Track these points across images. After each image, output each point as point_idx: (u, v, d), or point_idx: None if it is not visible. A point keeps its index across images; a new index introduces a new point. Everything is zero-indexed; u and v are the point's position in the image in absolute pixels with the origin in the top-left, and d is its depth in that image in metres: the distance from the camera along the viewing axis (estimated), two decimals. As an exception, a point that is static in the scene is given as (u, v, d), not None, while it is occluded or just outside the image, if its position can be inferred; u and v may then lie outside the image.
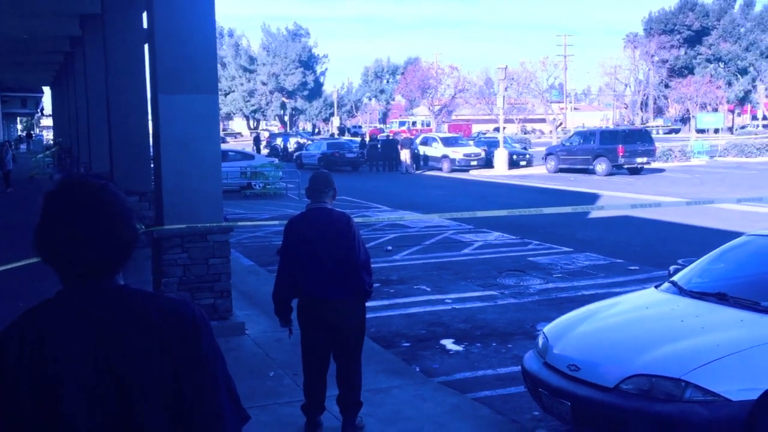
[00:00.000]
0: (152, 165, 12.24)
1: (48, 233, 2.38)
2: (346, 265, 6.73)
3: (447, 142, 48.44)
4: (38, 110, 78.24)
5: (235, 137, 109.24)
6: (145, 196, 15.83)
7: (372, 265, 7.10)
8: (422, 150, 48.19)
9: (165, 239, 10.35)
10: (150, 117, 12.44)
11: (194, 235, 10.49)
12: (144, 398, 2.32)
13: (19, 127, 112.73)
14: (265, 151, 64.83)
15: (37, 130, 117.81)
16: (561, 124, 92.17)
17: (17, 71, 43.66)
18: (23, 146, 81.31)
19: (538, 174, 42.69)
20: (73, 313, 2.35)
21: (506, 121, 67.16)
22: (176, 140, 10.27)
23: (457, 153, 46.26)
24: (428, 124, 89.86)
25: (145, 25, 13.65)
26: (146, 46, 13.21)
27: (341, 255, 6.73)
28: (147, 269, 11.87)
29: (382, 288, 13.73)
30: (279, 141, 68.45)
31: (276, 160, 39.52)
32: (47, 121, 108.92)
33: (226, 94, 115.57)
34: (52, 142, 64.66)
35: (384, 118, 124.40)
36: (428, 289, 13.86)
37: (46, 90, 62.87)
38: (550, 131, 79.20)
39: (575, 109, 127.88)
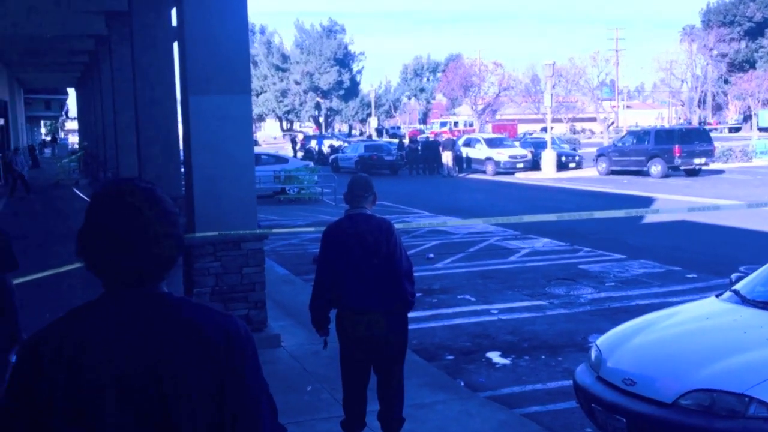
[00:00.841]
0: (183, 169, 12.35)
1: (91, 237, 2.43)
2: (386, 274, 6.73)
3: (491, 143, 48.38)
4: (63, 113, 79.18)
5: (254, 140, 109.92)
6: (176, 202, 15.93)
7: (414, 274, 7.10)
8: (465, 152, 48.16)
9: (196, 247, 10.43)
10: (180, 119, 12.54)
11: (227, 243, 10.56)
12: (186, 408, 2.36)
13: (43, 130, 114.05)
14: (299, 154, 65.09)
15: (62, 134, 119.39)
16: (613, 123, 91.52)
17: (40, 72, 44.23)
18: (47, 151, 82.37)
19: (589, 177, 42.42)
20: (115, 318, 2.39)
21: (554, 120, 66.77)
22: (207, 143, 10.36)
23: (501, 155, 46.17)
24: (471, 125, 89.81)
25: (174, 22, 13.78)
26: (176, 45, 13.36)
27: (382, 263, 6.73)
28: (178, 278, 11.97)
29: (424, 298, 13.73)
30: (313, 143, 68.66)
31: (311, 164, 39.61)
32: (72, 125, 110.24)
33: (257, 95, 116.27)
34: (77, 146, 65.36)
35: (424, 119, 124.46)
36: (473, 299, 13.85)
37: (71, 92, 63.70)
38: (601, 131, 78.87)
39: (628, 107, 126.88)
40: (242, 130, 10.62)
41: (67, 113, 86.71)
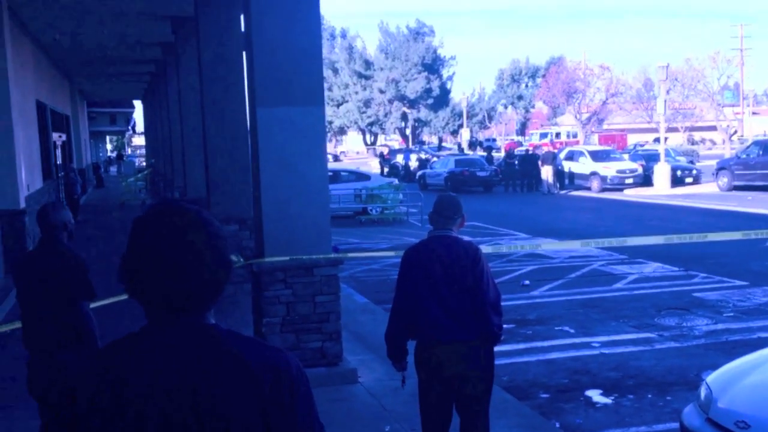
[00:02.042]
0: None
1: (134, 262, 2.51)
2: (471, 303, 6.72)
3: (596, 156, 47.95)
4: (129, 127, 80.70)
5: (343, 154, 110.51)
6: (246, 224, 16.10)
7: (506, 303, 7.10)
8: (567, 166, 47.87)
9: (266, 273, 10.53)
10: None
11: (298, 269, 10.63)
12: None
13: (108, 147, 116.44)
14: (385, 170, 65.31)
15: (128, 150, 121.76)
16: (736, 132, 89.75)
17: (104, 84, 45.13)
18: (113, 169, 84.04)
19: (708, 193, 41.79)
20: (158, 350, 2.47)
21: (669, 129, 65.91)
22: (276, 159, 10.47)
23: (608, 169, 45.75)
24: (575, 136, 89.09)
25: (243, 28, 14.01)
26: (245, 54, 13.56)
27: (466, 291, 6.72)
28: (247, 307, 12.13)
29: (517, 329, 13.68)
30: (399, 158, 68.77)
31: (395, 181, 39.76)
32: (140, 140, 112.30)
33: (338, 105, 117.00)
34: (144, 163, 66.41)
35: (522, 129, 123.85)
36: (572, 331, 13.76)
37: (138, 105, 64.90)
38: (723, 141, 77.46)
39: (754, 113, 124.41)
40: (315, 145, 10.70)
41: (134, 128, 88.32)
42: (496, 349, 7.08)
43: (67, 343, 6.70)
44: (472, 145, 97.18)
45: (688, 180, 46.15)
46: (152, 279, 2.46)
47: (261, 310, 10.62)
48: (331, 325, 10.81)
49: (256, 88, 10.43)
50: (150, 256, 2.47)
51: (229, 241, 2.63)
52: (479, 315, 6.73)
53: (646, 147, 64.32)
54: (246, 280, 12.78)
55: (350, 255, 16.80)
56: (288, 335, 10.52)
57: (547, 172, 46.00)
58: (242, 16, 12.73)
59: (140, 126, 78.38)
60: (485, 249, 16.38)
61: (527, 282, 18.17)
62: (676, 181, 45.03)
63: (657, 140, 59.72)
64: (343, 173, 37.21)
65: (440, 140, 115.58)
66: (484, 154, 62.13)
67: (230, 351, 2.48)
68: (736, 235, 13.70)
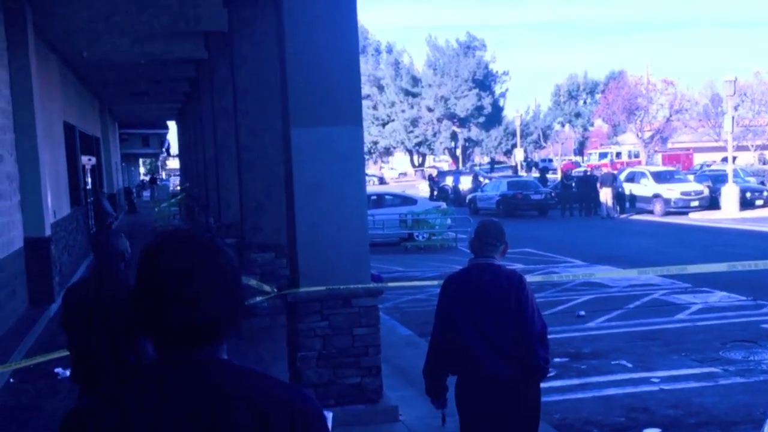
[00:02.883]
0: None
1: (141, 295, 2.53)
2: (515, 336, 6.69)
3: (659, 177, 47.67)
4: (163, 150, 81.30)
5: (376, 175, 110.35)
6: (283, 251, 16.10)
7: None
8: (627, 188, 47.64)
9: (301, 304, 10.52)
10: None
11: (335, 299, 10.61)
12: None
13: (141, 170, 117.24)
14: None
15: (163, 174, 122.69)
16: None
17: (136, 103, 45.45)
18: (146, 193, 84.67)
19: (780, 217, 41.43)
20: (164, 388, 2.48)
21: (738, 148, 65.46)
22: (311, 182, 10.48)
23: (672, 191, 45.46)
24: (636, 155, 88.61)
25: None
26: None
27: (510, 323, 6.69)
28: (282, 340, 12.15)
29: (570, 363, 13.62)
30: (449, 180, 68.80)
31: (443, 205, 39.71)
32: (174, 163, 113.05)
33: (384, 124, 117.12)
34: (179, 187, 66.73)
35: (581, 149, 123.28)
36: (630, 365, 13.66)
37: (172, 126, 65.34)
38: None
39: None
40: (352, 167, 10.69)
41: (168, 150, 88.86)
42: (548, 384, 7.07)
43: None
44: (529, 166, 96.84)
45: (759, 202, 45.81)
46: (160, 313, 2.48)
47: (296, 343, 10.60)
48: (370, 359, 10.76)
49: (290, 107, 10.45)
50: (158, 289, 2.48)
51: (241, 272, 2.65)
52: (524, 348, 6.69)
53: (714, 167, 63.71)
54: (281, 312, 12.81)
55: (392, 284, 16.81)
56: (324, 370, 10.51)
57: (606, 195, 45.75)
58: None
59: (175, 148, 78.73)
60: (536, 278, 16.40)
61: (582, 313, 18.10)
62: (746, 204, 44.68)
63: (725, 160, 59.13)
64: (387, 197, 37.25)
65: (492, 161, 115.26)
66: (536, 175, 61.91)
67: (241, 389, 2.49)
68: (807, 263, 13.48)
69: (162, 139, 72.26)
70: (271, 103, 16.34)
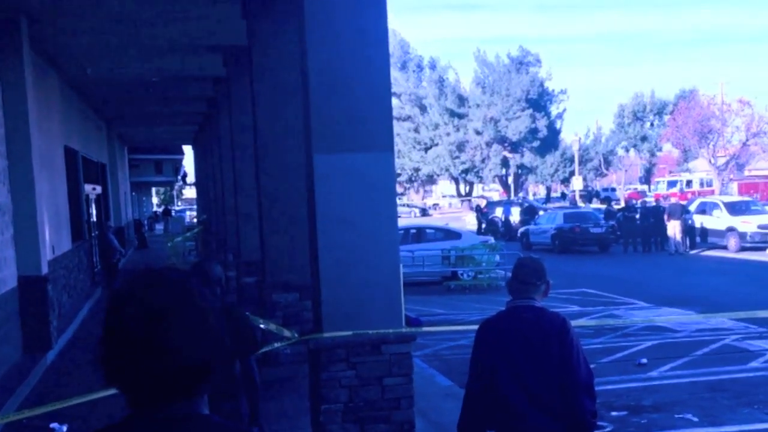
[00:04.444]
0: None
1: (110, 343, 2.54)
2: (558, 387, 6.68)
3: (734, 208, 47.25)
4: (178, 177, 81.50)
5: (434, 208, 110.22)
6: (308, 292, 16.08)
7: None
8: (699, 221, 47.25)
9: (324, 351, 10.53)
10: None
11: (363, 345, 10.63)
12: None
13: (154, 200, 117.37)
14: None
15: (178, 204, 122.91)
16: None
17: (148, 126, 45.55)
18: (159, 226, 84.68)
19: None
20: None
21: (824, 176, 64.97)
22: (336, 215, 10.48)
23: (748, 224, 45.02)
24: (709, 184, 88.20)
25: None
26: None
27: (553, 372, 6.69)
28: (305, 392, 12.18)
29: (629, 417, 13.58)
30: (498, 211, 68.66)
31: (491, 239, 39.64)
32: (191, 192, 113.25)
33: (426, 149, 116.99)
34: (195, 220, 66.80)
35: (647, 177, 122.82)
36: (695, 420, 13.62)
37: (188, 151, 65.45)
38: None
39: None
40: (382, 198, 10.67)
41: (184, 178, 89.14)
42: (604, 440, 7.03)
43: (232, 393, 7.95)
44: (588, 196, 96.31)
45: None
46: (130, 363, 2.48)
47: (319, 394, 10.59)
48: (402, 413, 10.73)
49: (312, 129, 10.45)
50: (127, 336, 2.49)
51: (219, 316, 2.65)
52: (569, 400, 6.68)
53: (797, 198, 63.34)
54: (305, 360, 12.82)
55: (430, 329, 16.83)
56: (350, 425, 10.49)
57: (674, 228, 45.46)
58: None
59: (192, 176, 78.99)
60: (592, 322, 16.34)
61: (644, 360, 17.99)
62: (834, 239, 44.20)
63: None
64: (428, 231, 37.22)
65: (548, 190, 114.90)
66: (603, 206, 61.64)
67: None
68: None
69: (177, 166, 72.46)
70: (296, 125, 16.35)
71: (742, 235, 44.63)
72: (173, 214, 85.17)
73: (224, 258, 28.94)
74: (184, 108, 37.42)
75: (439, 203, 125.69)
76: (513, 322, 6.91)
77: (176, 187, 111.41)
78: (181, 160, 71.43)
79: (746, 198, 56.36)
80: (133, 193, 68.02)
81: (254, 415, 8.24)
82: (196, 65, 26.37)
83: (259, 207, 17.48)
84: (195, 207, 77.48)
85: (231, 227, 27.86)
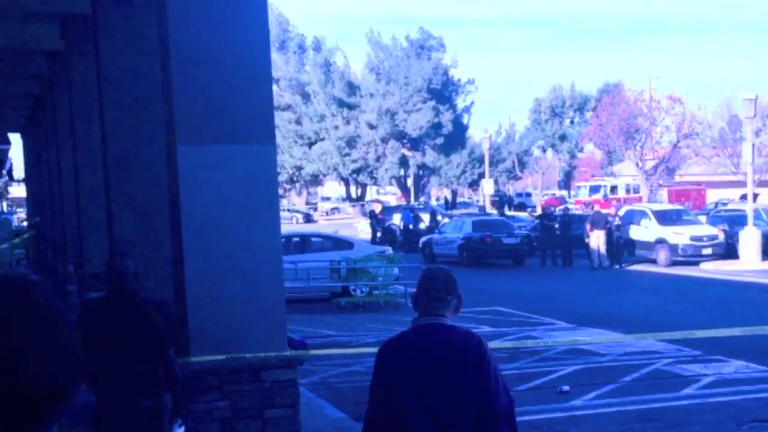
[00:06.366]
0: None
1: None
2: (474, 417, 6.67)
3: (664, 217, 48.21)
4: (3, 172, 79.99)
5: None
6: (168, 309, 15.88)
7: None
8: (625, 231, 47.87)
9: (192, 379, 10.41)
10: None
11: (240, 372, 10.61)
12: None
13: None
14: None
15: (3, 205, 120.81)
16: None
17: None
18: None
19: (813, 268, 42.20)
20: None
21: (760, 183, 66.17)
22: (206, 218, 10.37)
23: (680, 235, 45.91)
24: (636, 190, 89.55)
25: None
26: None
27: (467, 399, 6.67)
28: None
29: (550, 453, 13.69)
30: (396, 218, 68.98)
31: (388, 250, 39.72)
32: (19, 191, 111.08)
33: (310, 145, 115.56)
34: (25, 223, 65.86)
35: (567, 181, 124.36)
36: (624, 454, 13.80)
37: (15, 139, 64.14)
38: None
39: None
40: (263, 199, 10.65)
41: (10, 173, 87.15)
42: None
43: (152, 389, 8.85)
44: (501, 202, 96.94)
45: (786, 251, 46.43)
46: None
47: (187, 429, 10.46)
48: (287, 450, 10.72)
49: (176, 117, 10.28)
50: None
51: (73, 331, 2.49)
52: (486, 431, 6.68)
53: (731, 206, 64.50)
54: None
55: (318, 352, 16.76)
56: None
57: (597, 239, 46.03)
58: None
59: (20, 171, 77.69)
60: (507, 344, 16.37)
61: (566, 388, 18.21)
62: (769, 252, 45.40)
63: (744, 197, 59.83)
64: (314, 239, 37.26)
65: (454, 194, 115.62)
66: (525, 215, 62.32)
67: None
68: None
69: (2, 158, 71.27)
70: (154, 112, 15.88)
71: (673, 248, 45.54)
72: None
73: (63, 270, 28.49)
74: (10, 88, 36.20)
75: (339, 207, 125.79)
76: (420, 343, 6.85)
77: (0, 183, 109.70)
78: (6, 152, 70.17)
79: (677, 206, 57.45)
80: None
81: (178, 408, 8.98)
82: (25, 35, 25.42)
83: (108, 210, 17.05)
84: (25, 208, 76.51)
85: (71, 233, 27.24)
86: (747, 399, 16.88)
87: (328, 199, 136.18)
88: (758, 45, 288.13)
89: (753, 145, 48.01)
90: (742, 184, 71.03)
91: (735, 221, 48.61)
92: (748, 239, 44.83)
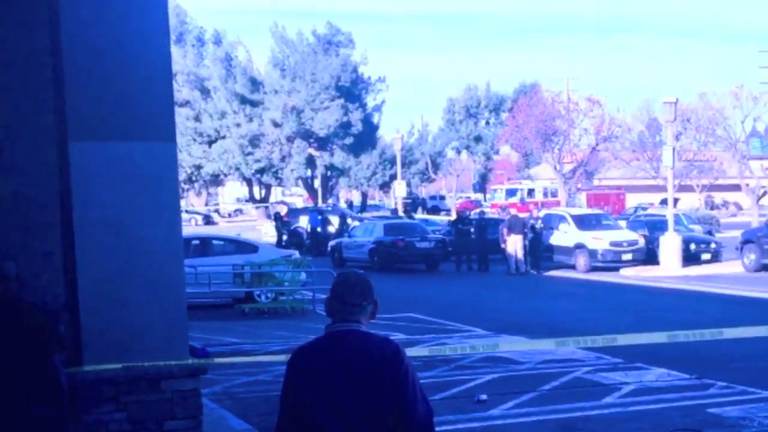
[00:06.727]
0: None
1: None
2: (391, 427, 6.61)
3: (583, 222, 48.64)
4: None
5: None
6: (55, 314, 15.63)
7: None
8: (543, 236, 48.09)
9: (86, 388, 10.30)
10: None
11: (138, 381, 10.48)
12: None
13: None
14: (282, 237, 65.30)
15: None
16: (766, 193, 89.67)
17: None
18: None
19: (730, 274, 42.96)
20: None
21: (680, 188, 66.70)
22: (101, 219, 10.25)
23: (599, 240, 46.42)
24: (554, 194, 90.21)
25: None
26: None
27: (384, 409, 6.61)
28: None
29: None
30: (303, 221, 69.03)
31: (295, 254, 39.65)
32: None
33: (210, 143, 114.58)
34: None
35: (482, 184, 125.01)
36: (543, 465, 13.82)
37: None
38: (750, 205, 78.18)
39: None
40: (163, 198, 10.54)
41: None
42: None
43: (39, 397, 8.72)
44: (414, 205, 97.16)
45: (705, 256, 47.44)
46: None
47: (78, 444, 10.33)
48: (188, 466, 10.58)
49: (68, 112, 10.10)
50: None
51: None
52: (404, 442, 6.66)
53: (651, 211, 65.18)
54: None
55: (221, 360, 16.61)
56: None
57: (514, 244, 46.21)
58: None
59: None
60: (423, 351, 16.28)
61: (484, 397, 18.22)
62: (690, 258, 46.16)
63: (664, 202, 60.43)
64: (215, 242, 37.06)
65: (364, 196, 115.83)
66: (441, 218, 62.50)
67: None
68: (763, 331, 13.71)
69: None
70: (40, 100, 15.60)
71: (592, 253, 46.04)
72: None
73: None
74: None
75: (242, 209, 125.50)
76: (334, 351, 6.77)
77: None
78: None
79: (596, 211, 57.95)
80: None
81: (61, 424, 8.86)
82: None
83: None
84: None
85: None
86: (668, 408, 17.12)
87: (239, 200, 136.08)
88: (677, 48, 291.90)
89: (673, 149, 48.54)
90: (662, 188, 71.96)
91: (655, 226, 49.55)
92: (669, 245, 45.46)
